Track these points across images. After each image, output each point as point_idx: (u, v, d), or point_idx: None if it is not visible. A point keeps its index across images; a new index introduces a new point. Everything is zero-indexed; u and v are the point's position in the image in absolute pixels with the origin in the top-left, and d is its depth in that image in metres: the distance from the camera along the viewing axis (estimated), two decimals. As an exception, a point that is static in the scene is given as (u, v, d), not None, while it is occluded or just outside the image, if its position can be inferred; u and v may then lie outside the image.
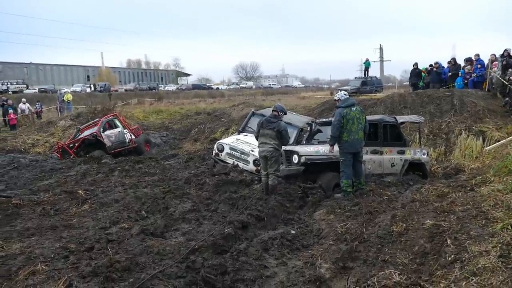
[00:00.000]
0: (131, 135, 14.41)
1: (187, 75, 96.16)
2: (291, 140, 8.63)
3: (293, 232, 5.64)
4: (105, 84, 56.12)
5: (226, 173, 8.36)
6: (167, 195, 7.16)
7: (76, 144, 13.53)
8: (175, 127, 21.55)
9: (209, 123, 18.99)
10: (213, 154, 9.85)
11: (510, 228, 4.28)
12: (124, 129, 14.39)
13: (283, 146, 7.58)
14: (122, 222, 5.77)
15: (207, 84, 74.74)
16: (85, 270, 4.01)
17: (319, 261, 4.60)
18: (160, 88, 62.83)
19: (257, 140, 7.55)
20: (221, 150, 9.55)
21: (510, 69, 13.14)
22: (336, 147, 7.34)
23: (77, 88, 52.70)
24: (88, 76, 75.18)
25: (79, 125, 16.06)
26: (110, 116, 15.22)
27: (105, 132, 13.76)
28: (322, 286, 4.11)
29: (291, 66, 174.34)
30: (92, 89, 54.98)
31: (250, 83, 78.64)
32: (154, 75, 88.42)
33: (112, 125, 14.38)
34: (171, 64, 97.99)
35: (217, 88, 67.78)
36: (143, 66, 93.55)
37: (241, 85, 74.68)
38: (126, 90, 49.95)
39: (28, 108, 22.62)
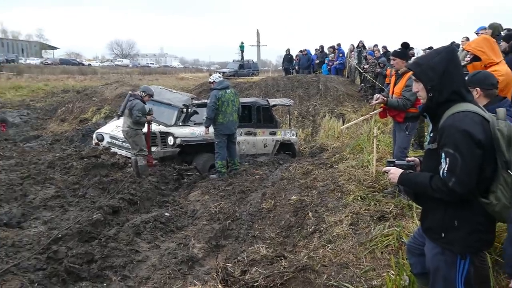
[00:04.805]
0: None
1: (54, 48, 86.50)
2: (172, 121, 8.26)
3: (167, 214, 5.58)
4: None
5: (96, 156, 7.83)
6: (26, 180, 6.42)
7: None
8: (38, 105, 19.28)
9: (79, 102, 17.48)
10: (93, 144, 9.11)
11: (359, 199, 4.89)
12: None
13: (162, 128, 7.43)
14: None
15: (78, 60, 68.25)
16: None
17: (192, 242, 4.65)
18: (20, 61, 55.42)
19: None
20: (101, 140, 8.87)
21: (364, 59, 14.78)
22: (211, 129, 7.42)
23: None
24: None
25: None
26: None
27: None
28: (194, 265, 4.17)
29: (170, 46, 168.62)
30: None
31: (126, 61, 74.28)
32: (12, 45, 77.51)
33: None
34: (33, 35, 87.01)
35: (89, 64, 62.35)
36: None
37: (116, 63, 70.06)
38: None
39: None
